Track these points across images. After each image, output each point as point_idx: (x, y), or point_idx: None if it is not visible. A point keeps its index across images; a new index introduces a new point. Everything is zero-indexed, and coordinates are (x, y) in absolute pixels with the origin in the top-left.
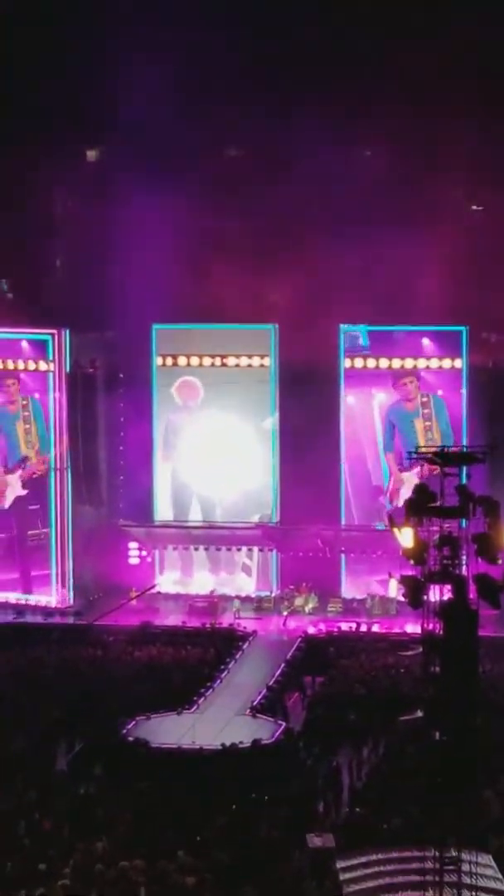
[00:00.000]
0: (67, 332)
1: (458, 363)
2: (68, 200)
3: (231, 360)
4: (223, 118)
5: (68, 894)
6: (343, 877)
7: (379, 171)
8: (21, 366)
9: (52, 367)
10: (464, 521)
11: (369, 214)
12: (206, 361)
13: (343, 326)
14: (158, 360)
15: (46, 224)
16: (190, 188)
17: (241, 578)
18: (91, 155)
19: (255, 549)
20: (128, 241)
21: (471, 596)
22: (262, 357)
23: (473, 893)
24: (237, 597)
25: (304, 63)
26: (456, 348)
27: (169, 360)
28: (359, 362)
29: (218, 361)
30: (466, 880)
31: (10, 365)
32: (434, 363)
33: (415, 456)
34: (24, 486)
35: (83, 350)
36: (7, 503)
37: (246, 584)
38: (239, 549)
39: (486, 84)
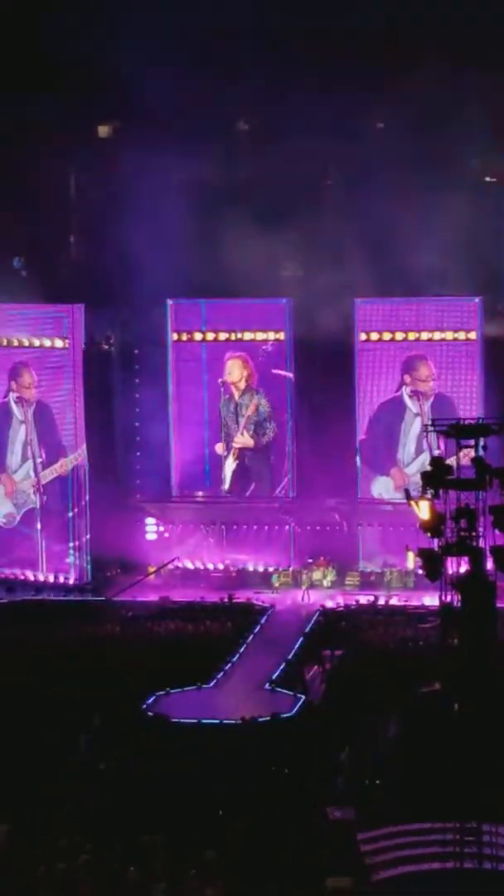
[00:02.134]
0: (82, 308)
1: (473, 335)
2: (81, 177)
3: (247, 335)
4: (236, 91)
5: (91, 868)
6: (364, 849)
7: (393, 144)
8: (36, 343)
9: (66, 344)
10: (480, 493)
11: (383, 188)
12: (222, 336)
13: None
14: (174, 336)
15: (60, 201)
16: (204, 163)
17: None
18: (103, 131)
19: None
20: (141, 217)
21: (488, 567)
22: (276, 332)
23: (494, 865)
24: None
25: (314, 33)
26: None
27: (185, 336)
28: (374, 335)
29: (234, 336)
30: (487, 852)
31: (26, 342)
32: (449, 336)
33: (431, 429)
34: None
35: (98, 327)
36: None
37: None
38: (256, 526)
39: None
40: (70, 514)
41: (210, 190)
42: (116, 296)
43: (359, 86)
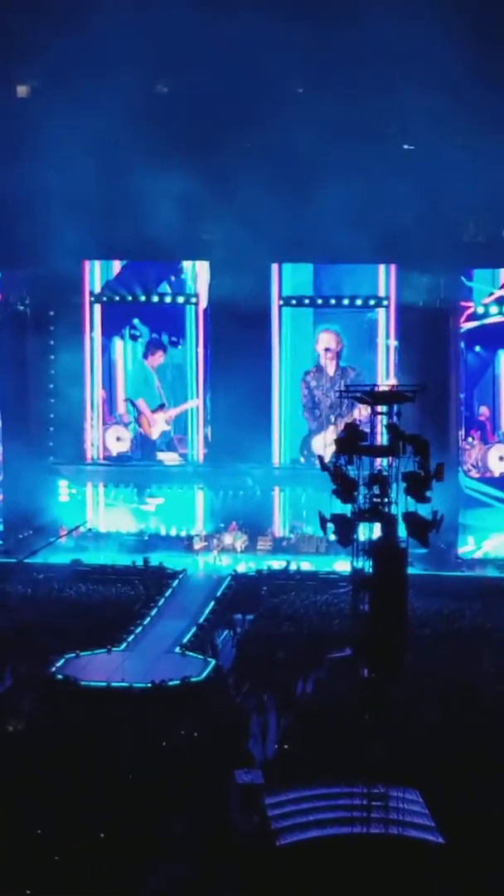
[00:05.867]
0: None
1: (387, 302)
2: None
3: (167, 298)
4: (154, 55)
5: None
6: (271, 813)
7: (311, 110)
8: None
9: None
10: (393, 459)
11: (301, 154)
12: (141, 297)
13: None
14: (90, 297)
15: None
16: (123, 124)
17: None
18: (21, 91)
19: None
20: (57, 176)
21: (399, 534)
22: (191, 295)
23: (400, 830)
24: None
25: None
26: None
27: (105, 297)
28: (293, 301)
29: (154, 298)
30: (394, 816)
31: None
32: (366, 301)
33: (346, 395)
34: None
35: (12, 287)
36: None
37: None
38: (170, 488)
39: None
40: None
41: (128, 151)
42: (32, 257)
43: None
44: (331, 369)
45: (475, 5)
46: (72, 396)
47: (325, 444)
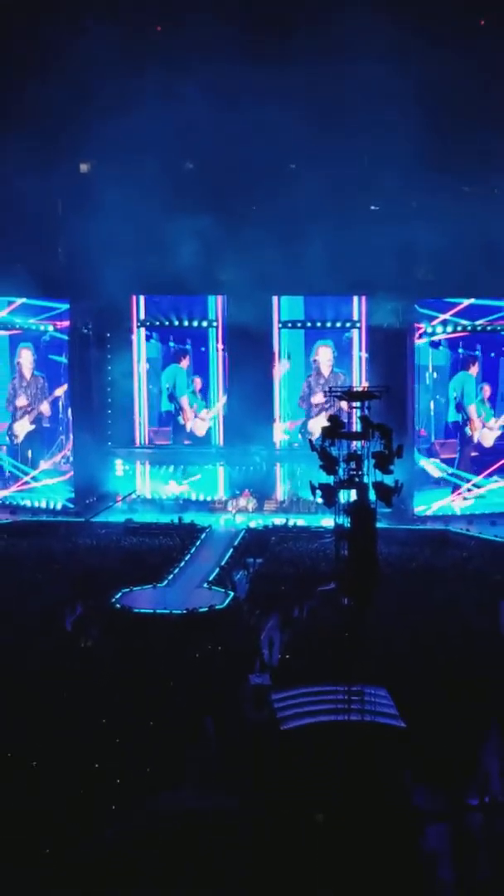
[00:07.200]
0: (68, 301)
1: (360, 324)
2: (67, 202)
3: (195, 323)
4: (185, 139)
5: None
6: (276, 706)
7: (301, 181)
8: (33, 327)
9: (55, 328)
10: (365, 442)
11: (294, 214)
12: (175, 322)
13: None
14: (137, 322)
15: (51, 221)
16: (160, 192)
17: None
18: (84, 167)
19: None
20: (113, 232)
21: (370, 498)
22: (213, 320)
23: (372, 718)
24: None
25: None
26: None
27: (147, 322)
28: (288, 324)
29: (185, 322)
30: (368, 708)
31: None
32: (344, 324)
33: (330, 394)
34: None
35: (79, 316)
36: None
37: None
38: (203, 466)
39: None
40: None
41: (164, 212)
42: (93, 292)
43: (278, 136)
44: (326, 373)
45: (428, 98)
46: (124, 396)
47: (317, 426)
